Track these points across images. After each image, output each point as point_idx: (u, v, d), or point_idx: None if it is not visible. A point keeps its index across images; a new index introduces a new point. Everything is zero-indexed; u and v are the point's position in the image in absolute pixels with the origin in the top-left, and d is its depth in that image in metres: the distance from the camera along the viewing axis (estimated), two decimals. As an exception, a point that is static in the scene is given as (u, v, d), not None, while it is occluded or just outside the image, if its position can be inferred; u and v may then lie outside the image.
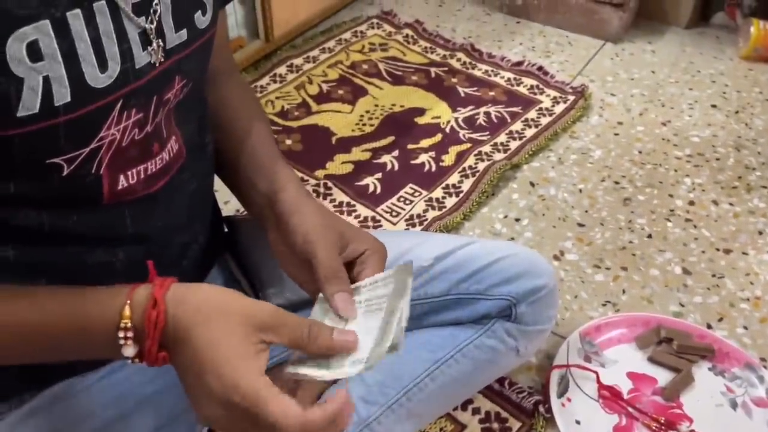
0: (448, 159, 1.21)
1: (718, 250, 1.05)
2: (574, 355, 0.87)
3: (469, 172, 1.18)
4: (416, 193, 1.15)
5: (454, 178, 1.17)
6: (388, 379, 0.74)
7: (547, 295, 0.78)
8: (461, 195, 1.13)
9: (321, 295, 0.54)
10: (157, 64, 0.49)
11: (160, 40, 0.49)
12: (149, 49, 0.48)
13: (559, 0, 1.57)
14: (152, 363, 0.45)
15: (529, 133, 1.27)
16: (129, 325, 0.44)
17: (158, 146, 0.53)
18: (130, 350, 0.45)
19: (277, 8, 1.38)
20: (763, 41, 1.44)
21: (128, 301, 0.44)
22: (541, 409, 0.82)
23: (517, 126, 1.29)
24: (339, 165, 1.20)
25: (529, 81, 1.41)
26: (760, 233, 1.08)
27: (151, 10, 0.48)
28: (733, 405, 0.84)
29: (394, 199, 1.14)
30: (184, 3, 0.51)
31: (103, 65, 0.45)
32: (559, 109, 1.33)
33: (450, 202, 1.12)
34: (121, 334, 0.44)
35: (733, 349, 0.88)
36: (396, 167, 1.20)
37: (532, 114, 1.32)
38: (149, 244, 0.56)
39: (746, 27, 1.47)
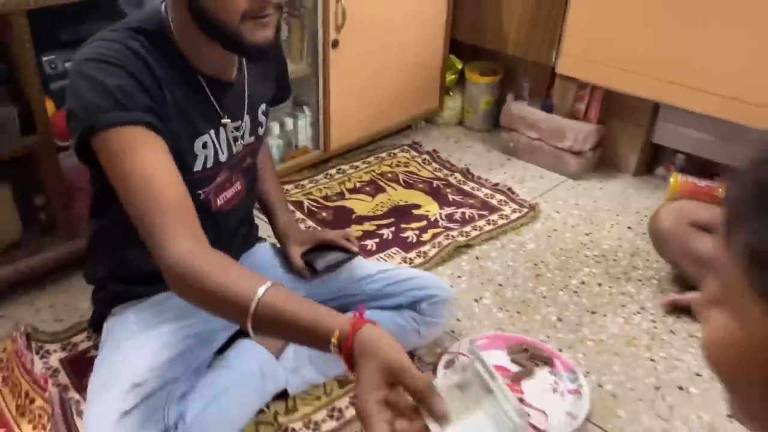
0: (426, 236, 1.79)
1: (587, 311, 1.54)
2: (463, 350, 1.38)
3: (437, 245, 1.75)
4: (398, 253, 1.72)
5: (426, 247, 1.74)
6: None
7: (440, 301, 1.33)
8: (427, 257, 1.70)
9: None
10: (241, 152, 1.14)
11: (242, 141, 1.14)
12: (238, 144, 1.13)
13: (537, 146, 2.18)
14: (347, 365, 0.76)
15: (488, 228, 1.84)
16: (335, 343, 0.76)
17: (233, 185, 1.17)
18: (336, 353, 0.77)
19: (334, 130, 2.07)
20: (679, 188, 1.96)
21: (338, 331, 0.75)
22: (432, 373, 1.33)
23: (481, 222, 1.86)
24: (353, 231, 1.81)
25: (499, 196, 2.00)
26: (622, 306, 1.56)
27: (241, 130, 1.14)
28: (554, 391, 1.31)
29: (382, 254, 1.72)
30: (253, 125, 1.17)
31: (223, 152, 1.10)
32: (514, 216, 1.90)
33: (418, 260, 1.69)
34: (331, 347, 0.77)
35: (565, 361, 1.36)
36: (390, 237, 1.79)
37: (494, 217, 1.90)
38: (224, 232, 1.18)
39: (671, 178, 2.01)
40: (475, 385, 0.73)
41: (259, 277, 0.85)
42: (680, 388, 1.34)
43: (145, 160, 0.92)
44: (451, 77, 2.42)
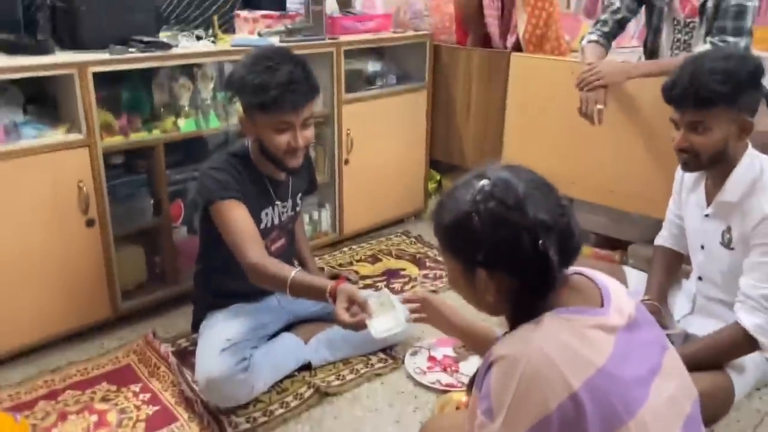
0: (408, 287, 2.61)
1: (510, 327, 2.31)
2: (424, 345, 2.16)
3: (415, 288, 2.56)
4: (387, 297, 2.54)
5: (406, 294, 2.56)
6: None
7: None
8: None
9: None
10: (285, 220, 2.03)
11: (287, 214, 2.03)
12: (284, 216, 2.02)
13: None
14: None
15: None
16: (329, 294, 1.57)
17: (281, 239, 2.05)
18: (329, 300, 1.61)
19: (346, 221, 2.96)
20: (588, 254, 2.76)
21: (329, 287, 1.57)
22: (401, 356, 2.11)
23: (438, 283, 2.68)
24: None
25: (463, 263, 2.83)
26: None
27: (286, 207, 2.03)
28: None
29: (376, 298, 2.53)
30: (293, 204, 2.06)
31: (275, 219, 1.98)
32: (471, 275, 2.72)
33: (400, 301, 2.50)
34: (327, 296, 1.58)
35: (488, 351, 2.12)
36: (382, 287, 2.61)
37: (457, 276, 2.72)
38: None
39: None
40: (386, 303, 1.56)
41: (291, 267, 1.71)
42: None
43: (238, 214, 1.79)
44: (432, 185, 3.33)
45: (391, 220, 3.20)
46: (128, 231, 2.29)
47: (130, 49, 2.14)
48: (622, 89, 2.40)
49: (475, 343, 1.45)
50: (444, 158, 3.27)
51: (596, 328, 0.92)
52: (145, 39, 2.18)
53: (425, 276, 2.72)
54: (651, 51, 2.46)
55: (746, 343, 1.67)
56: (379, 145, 2.98)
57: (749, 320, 1.64)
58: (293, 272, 1.66)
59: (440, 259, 2.87)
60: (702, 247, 1.88)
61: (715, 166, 1.72)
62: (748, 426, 1.82)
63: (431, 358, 2.12)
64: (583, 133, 2.59)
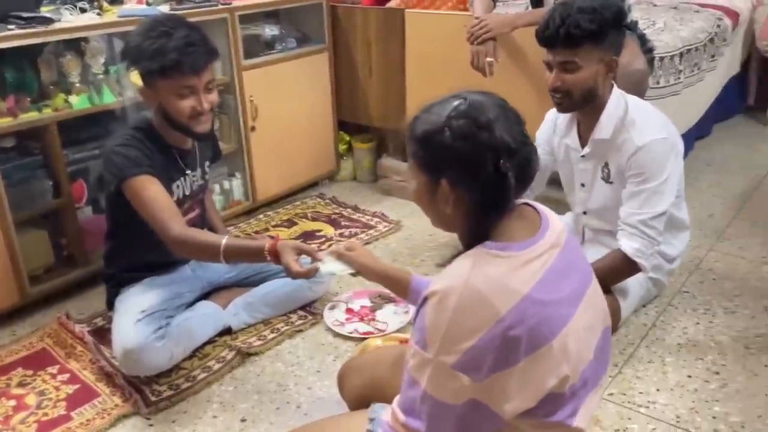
0: (324, 246, 2.67)
1: (427, 275, 2.42)
2: (341, 299, 2.24)
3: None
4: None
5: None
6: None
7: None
8: (323, 258, 2.57)
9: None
10: (196, 190, 2.03)
11: (197, 183, 2.03)
12: (195, 186, 2.02)
13: (403, 186, 3.12)
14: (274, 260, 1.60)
15: (365, 237, 2.74)
16: (267, 251, 1.59)
17: (194, 210, 2.05)
18: (268, 257, 1.60)
19: (258, 188, 2.97)
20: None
21: (267, 245, 1.59)
22: (320, 311, 2.18)
23: (362, 235, 2.76)
24: (274, 249, 2.67)
25: (376, 219, 2.91)
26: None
27: (196, 177, 2.03)
28: (395, 313, 2.16)
29: (293, 259, 2.58)
30: (202, 174, 2.07)
31: (187, 190, 1.98)
32: (384, 229, 2.80)
33: (317, 260, 2.56)
34: (266, 254, 1.59)
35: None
36: (299, 249, 2.66)
37: (371, 231, 2.80)
38: None
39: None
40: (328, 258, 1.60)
41: (219, 235, 1.74)
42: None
43: (154, 190, 1.77)
44: (343, 147, 3.38)
45: (304, 184, 3.23)
46: (29, 215, 2.23)
47: (9, 26, 2.05)
48: (512, 41, 2.50)
49: (395, 285, 1.54)
50: (351, 119, 3.32)
51: (523, 261, 0.99)
52: (25, 15, 2.10)
53: (341, 235, 2.79)
54: (536, 1, 2.58)
55: (628, 266, 1.83)
56: (284, 109, 2.99)
57: (629, 245, 1.80)
58: (224, 239, 1.68)
59: (354, 217, 2.95)
60: (582, 185, 2.02)
61: (586, 105, 1.85)
62: (636, 338, 2.00)
63: (349, 310, 2.20)
64: (480, 86, 2.69)
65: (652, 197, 1.79)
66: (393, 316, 2.16)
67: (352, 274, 1.57)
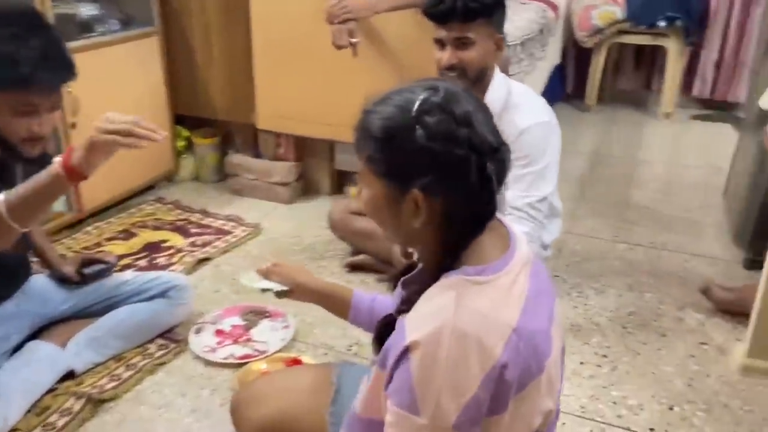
0: (175, 259, 2.32)
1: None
2: (208, 320, 1.94)
3: (184, 263, 2.29)
4: (153, 274, 2.23)
5: (175, 267, 2.27)
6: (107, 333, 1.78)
7: (182, 287, 1.88)
8: (177, 272, 2.23)
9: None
10: None
11: None
12: None
13: (255, 184, 2.84)
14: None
15: (222, 245, 2.43)
16: (60, 169, 1.20)
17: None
18: (63, 175, 1.21)
19: (84, 195, 2.52)
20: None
21: (58, 161, 1.20)
22: (183, 337, 1.87)
23: (218, 243, 2.45)
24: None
25: (231, 224, 2.61)
26: (320, 274, 2.25)
27: None
28: (273, 330, 1.92)
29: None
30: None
31: None
32: (243, 234, 2.52)
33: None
34: (59, 172, 1.20)
35: (278, 312, 1.98)
36: (146, 265, 2.29)
37: (228, 237, 2.50)
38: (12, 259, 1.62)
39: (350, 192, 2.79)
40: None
41: None
42: (355, 311, 2.05)
43: None
44: (181, 143, 3.00)
45: (139, 188, 2.81)
46: None
47: None
48: (371, 25, 2.36)
49: (335, 303, 1.31)
50: (191, 112, 2.95)
51: (506, 286, 0.85)
52: None
53: (193, 244, 2.45)
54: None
55: None
56: (109, 102, 2.53)
57: (519, 230, 1.75)
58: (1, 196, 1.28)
59: (205, 222, 2.62)
60: None
61: (475, 85, 1.78)
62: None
63: (219, 332, 1.91)
64: (339, 71, 2.52)
65: (537, 180, 1.78)
66: (271, 333, 1.91)
67: (279, 293, 1.31)
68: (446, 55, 1.73)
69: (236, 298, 2.11)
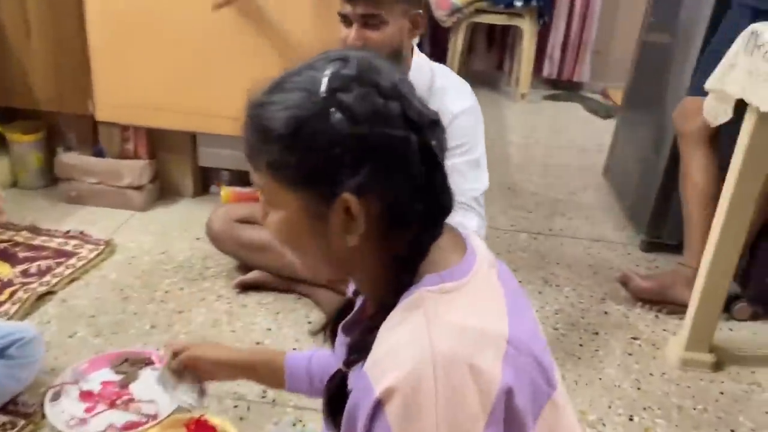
0: (3, 297, 1.78)
1: (176, 312, 1.79)
2: (66, 379, 1.48)
3: (17, 301, 1.76)
4: (-26, 321, 1.68)
5: (5, 306, 1.74)
6: None
7: (27, 341, 1.40)
8: (9, 314, 1.70)
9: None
10: None
11: None
12: None
13: (99, 190, 2.32)
14: None
15: (68, 272, 1.92)
16: None
17: None
18: None
19: None
20: (230, 198, 2.33)
21: None
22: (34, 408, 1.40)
23: (60, 269, 1.93)
24: None
25: (74, 242, 2.08)
26: (203, 299, 1.85)
27: None
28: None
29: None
30: None
31: None
32: (92, 255, 2.01)
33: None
34: None
35: (162, 355, 1.58)
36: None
37: (72, 261, 1.98)
38: None
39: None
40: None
41: None
42: (257, 342, 1.70)
43: None
44: (-10, 141, 2.37)
45: (-65, 203, 2.15)
46: None
47: None
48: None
49: (265, 373, 1.06)
50: (3, 102, 2.32)
51: (480, 291, 0.69)
52: None
53: (25, 274, 1.90)
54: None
55: None
56: None
57: (468, 224, 1.55)
58: None
59: (37, 243, 2.07)
60: None
61: None
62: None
63: (86, 395, 1.46)
64: (201, 48, 2.11)
65: (476, 170, 1.60)
66: (158, 387, 1.50)
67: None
68: (352, 35, 1.46)
69: (99, 343, 1.65)
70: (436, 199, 0.70)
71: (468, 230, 0.78)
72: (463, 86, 1.63)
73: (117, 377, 1.52)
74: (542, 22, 3.91)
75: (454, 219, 1.56)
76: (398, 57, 1.51)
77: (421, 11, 1.52)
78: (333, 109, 0.64)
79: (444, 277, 0.68)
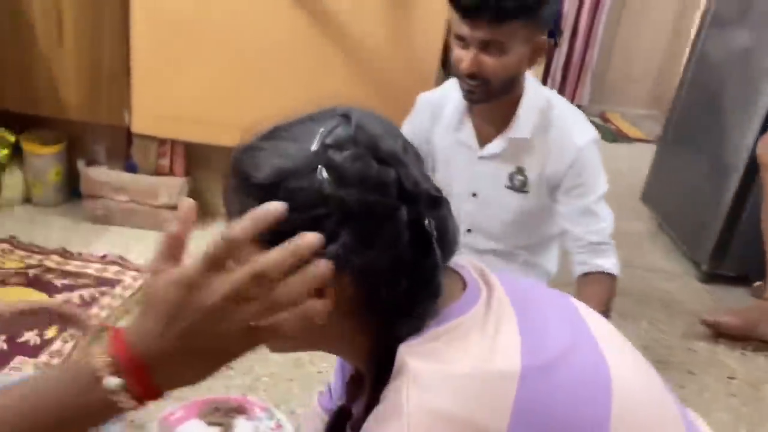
0: (51, 333, 1.56)
1: (250, 350, 1.61)
2: (155, 434, 1.29)
3: (68, 338, 1.55)
4: (26, 363, 1.46)
5: (56, 345, 1.52)
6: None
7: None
8: (63, 355, 1.49)
9: None
10: None
11: None
12: None
13: (131, 208, 2.11)
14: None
15: (116, 303, 1.72)
16: (106, 367, 0.49)
17: None
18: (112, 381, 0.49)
19: None
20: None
21: (103, 356, 0.49)
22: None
23: (106, 300, 1.72)
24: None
25: (113, 268, 1.87)
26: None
27: None
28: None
29: (7, 371, 1.43)
30: None
31: None
32: (138, 283, 1.81)
33: (58, 361, 1.47)
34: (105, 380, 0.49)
35: (255, 402, 1.41)
36: (5, 348, 1.50)
37: (117, 290, 1.77)
38: None
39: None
40: None
41: None
42: (350, 385, 1.55)
43: None
44: (3, 152, 2.11)
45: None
46: None
47: None
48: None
49: None
50: (23, 108, 2.08)
51: (476, 317, 0.63)
52: None
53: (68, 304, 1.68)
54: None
55: (615, 286, 1.52)
56: None
57: (612, 264, 1.49)
58: None
59: (69, 268, 1.85)
60: (474, 195, 1.61)
61: (502, 96, 1.44)
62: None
63: (182, 452, 1.28)
64: (254, 60, 1.96)
65: (604, 204, 1.52)
66: (259, 438, 1.34)
67: None
68: (467, 60, 1.35)
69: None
70: (424, 285, 0.62)
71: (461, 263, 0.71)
72: (579, 115, 1.55)
73: (211, 429, 1.34)
74: (554, 43, 3.91)
75: (595, 262, 1.49)
76: (513, 85, 1.43)
77: (545, 37, 1.43)
78: (320, 167, 0.59)
79: (438, 322, 0.62)
